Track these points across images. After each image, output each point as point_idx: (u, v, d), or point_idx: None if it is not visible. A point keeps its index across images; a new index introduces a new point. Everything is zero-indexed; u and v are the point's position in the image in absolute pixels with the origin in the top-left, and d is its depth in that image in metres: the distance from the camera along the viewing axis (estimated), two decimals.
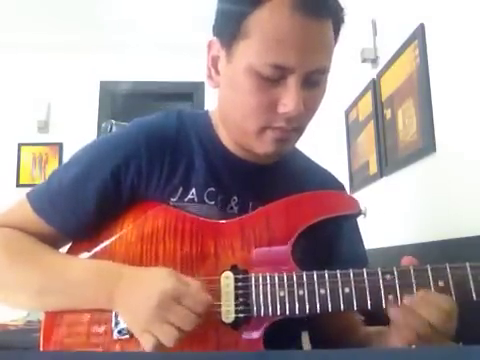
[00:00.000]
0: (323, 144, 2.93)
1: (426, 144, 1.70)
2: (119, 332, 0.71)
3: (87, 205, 0.77)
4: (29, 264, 0.74)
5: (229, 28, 0.73)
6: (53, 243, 0.78)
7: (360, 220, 0.87)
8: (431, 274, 0.65)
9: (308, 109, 0.73)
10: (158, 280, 0.66)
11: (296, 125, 0.74)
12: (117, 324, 0.71)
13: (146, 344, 0.64)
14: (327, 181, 0.92)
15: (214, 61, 0.78)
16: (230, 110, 0.77)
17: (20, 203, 0.80)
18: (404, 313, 0.64)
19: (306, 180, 0.86)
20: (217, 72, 0.78)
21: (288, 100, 0.69)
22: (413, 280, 0.65)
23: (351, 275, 0.67)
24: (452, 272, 0.65)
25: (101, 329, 0.72)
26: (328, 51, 0.72)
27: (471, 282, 0.64)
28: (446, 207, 1.59)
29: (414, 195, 1.87)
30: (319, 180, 0.89)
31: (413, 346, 0.63)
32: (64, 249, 0.82)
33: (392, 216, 2.08)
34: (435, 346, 0.59)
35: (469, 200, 1.42)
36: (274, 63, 0.68)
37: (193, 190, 0.79)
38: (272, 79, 0.70)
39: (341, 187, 0.94)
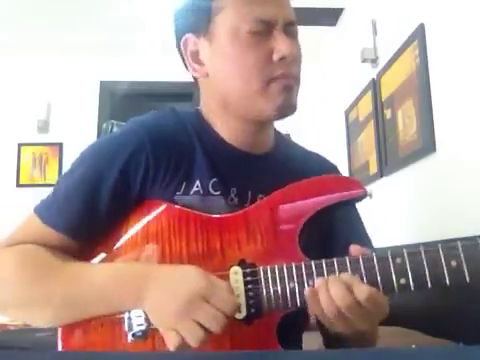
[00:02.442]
0: (323, 144, 2.93)
1: (426, 144, 1.70)
2: (133, 335, 0.70)
3: (98, 204, 0.75)
4: (49, 277, 0.72)
5: (201, 14, 0.78)
6: (67, 252, 0.76)
7: (363, 209, 0.87)
8: (443, 254, 0.63)
9: (297, 58, 0.78)
10: (188, 279, 0.65)
11: (294, 71, 0.77)
12: (131, 327, 0.69)
13: (170, 342, 0.63)
14: (323, 165, 0.92)
15: (194, 56, 0.81)
16: (229, 84, 0.79)
17: (28, 218, 0.78)
18: (318, 286, 0.64)
19: (303, 167, 0.86)
20: (200, 64, 0.81)
21: (280, 46, 0.74)
22: (424, 261, 0.63)
23: (361, 261, 0.65)
24: (464, 250, 0.62)
25: (116, 333, 0.71)
26: (291, 6, 0.80)
27: None
28: (446, 207, 1.59)
29: (414, 195, 1.87)
30: (315, 165, 0.89)
31: (413, 346, 0.63)
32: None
33: (392, 216, 2.09)
34: (435, 346, 0.59)
35: (469, 200, 1.42)
36: (256, 17, 0.74)
37: (197, 182, 0.78)
38: (259, 34, 0.74)
39: (335, 168, 0.94)
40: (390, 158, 2.07)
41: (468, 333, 1.26)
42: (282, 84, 0.75)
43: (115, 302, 0.70)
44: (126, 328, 0.70)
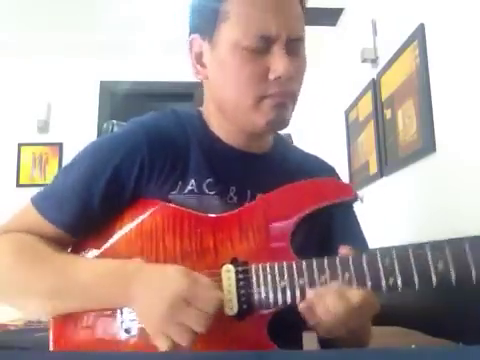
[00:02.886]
0: (323, 144, 2.93)
1: (426, 144, 1.70)
2: (125, 331, 0.71)
3: (92, 203, 0.77)
4: (41, 268, 0.73)
5: (208, 17, 0.78)
6: (61, 244, 0.78)
7: (358, 207, 0.88)
8: (431, 255, 0.64)
9: (295, 76, 0.77)
10: (171, 281, 0.66)
11: (290, 89, 0.76)
12: (123, 323, 0.71)
13: (161, 346, 0.64)
14: (321, 166, 0.93)
15: (198, 57, 0.82)
16: (225, 93, 0.79)
17: (25, 208, 0.80)
18: (314, 297, 0.66)
19: (301, 167, 0.87)
20: (203, 66, 0.82)
21: (277, 65, 0.73)
22: (412, 262, 0.64)
23: (350, 261, 0.66)
24: (451, 252, 0.63)
25: (108, 329, 0.72)
26: (302, 21, 0.78)
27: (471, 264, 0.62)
28: (445, 207, 1.59)
29: (414, 195, 1.88)
30: (313, 167, 0.90)
31: (413, 346, 0.63)
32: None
33: (392, 216, 2.09)
34: (435, 346, 0.59)
35: (468, 200, 1.43)
36: (257, 33, 0.73)
37: (192, 181, 0.79)
38: (258, 51, 0.74)
39: (333, 169, 0.95)
40: (390, 158, 2.07)
41: (468, 333, 1.26)
42: (275, 101, 0.76)
43: (102, 299, 0.71)
44: (119, 323, 0.71)
